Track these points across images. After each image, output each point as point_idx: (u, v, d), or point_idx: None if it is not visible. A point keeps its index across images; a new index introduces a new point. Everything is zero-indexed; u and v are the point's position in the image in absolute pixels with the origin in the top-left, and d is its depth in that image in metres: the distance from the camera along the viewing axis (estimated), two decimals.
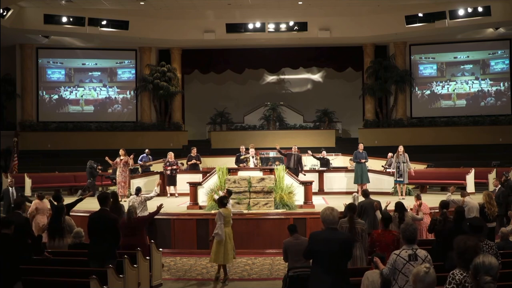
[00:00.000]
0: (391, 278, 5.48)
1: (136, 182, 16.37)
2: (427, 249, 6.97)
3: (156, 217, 11.81)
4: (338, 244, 5.52)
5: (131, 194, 15.35)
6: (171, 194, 16.18)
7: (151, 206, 11.68)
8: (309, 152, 17.70)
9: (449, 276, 4.43)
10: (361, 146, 16.28)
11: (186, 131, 24.94)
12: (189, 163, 17.25)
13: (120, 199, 14.31)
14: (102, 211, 7.51)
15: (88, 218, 7.62)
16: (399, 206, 9.16)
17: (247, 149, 16.52)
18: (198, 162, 17.27)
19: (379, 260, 5.83)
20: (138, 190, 11.53)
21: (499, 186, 12.67)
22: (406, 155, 15.01)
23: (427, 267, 4.25)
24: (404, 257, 5.23)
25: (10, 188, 13.63)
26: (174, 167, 16.18)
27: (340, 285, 5.50)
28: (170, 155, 16.41)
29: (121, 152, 15.42)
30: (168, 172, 16.11)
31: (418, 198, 11.09)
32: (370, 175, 15.99)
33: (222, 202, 9.53)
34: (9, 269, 6.27)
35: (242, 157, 15.64)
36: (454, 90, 24.32)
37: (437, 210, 11.50)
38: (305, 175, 15.88)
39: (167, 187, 16.20)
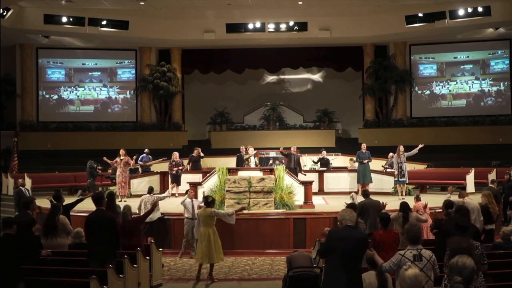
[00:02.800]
0: (386, 276, 5.47)
1: (136, 182, 16.39)
2: (430, 249, 6.98)
3: (164, 217, 11.89)
4: (355, 241, 5.49)
5: (131, 194, 15.40)
6: (172, 194, 16.14)
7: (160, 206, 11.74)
8: (313, 160, 17.92)
9: (444, 278, 4.43)
10: (364, 146, 16.28)
11: (186, 131, 24.93)
12: (190, 164, 17.27)
13: (120, 199, 14.39)
14: (100, 211, 7.50)
15: (86, 219, 7.61)
16: (404, 206, 9.16)
17: (247, 149, 16.56)
18: (202, 155, 17.24)
19: (376, 254, 5.84)
20: (151, 190, 11.62)
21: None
22: (406, 154, 15.02)
23: (406, 267, 4.26)
24: (409, 257, 5.23)
25: (22, 188, 13.69)
26: (180, 167, 16.10)
27: (354, 283, 5.49)
28: (175, 155, 16.27)
29: (122, 152, 15.38)
30: (174, 172, 16.02)
31: (417, 199, 11.07)
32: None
33: (207, 201, 9.67)
34: (12, 269, 6.26)
35: (245, 156, 15.67)
36: (449, 91, 24.32)
37: (439, 210, 11.56)
38: (305, 175, 15.89)
39: (170, 186, 16.15)
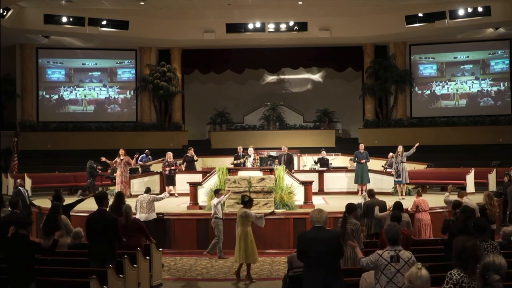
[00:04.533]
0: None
1: (136, 182, 16.39)
2: (438, 249, 6.94)
3: (163, 217, 11.90)
4: (324, 241, 5.51)
5: (131, 194, 15.40)
6: (171, 194, 16.15)
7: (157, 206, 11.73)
8: (314, 159, 17.89)
9: (447, 276, 4.43)
10: (361, 146, 16.30)
11: (186, 131, 24.93)
12: (184, 164, 17.32)
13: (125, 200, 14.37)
14: (101, 211, 7.48)
15: (87, 219, 7.60)
16: (397, 206, 9.18)
17: (245, 149, 16.57)
18: (195, 159, 17.26)
19: (356, 246, 5.89)
20: (148, 190, 11.61)
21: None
22: (404, 154, 15.02)
23: (419, 267, 4.27)
24: (386, 258, 5.21)
25: (21, 188, 13.71)
26: (173, 167, 16.20)
27: (332, 283, 5.48)
28: (169, 155, 16.40)
29: (121, 152, 15.37)
30: (167, 172, 16.11)
31: (419, 194, 11.15)
32: (370, 175, 16.00)
33: (243, 201, 9.69)
34: (25, 270, 6.27)
35: (235, 161, 15.66)
36: (457, 90, 24.30)
37: (439, 210, 11.56)
38: (293, 172, 15.86)
39: (166, 187, 16.19)
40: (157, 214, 11.69)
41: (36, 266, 7.18)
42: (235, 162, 15.73)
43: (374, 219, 9.79)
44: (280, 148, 17.03)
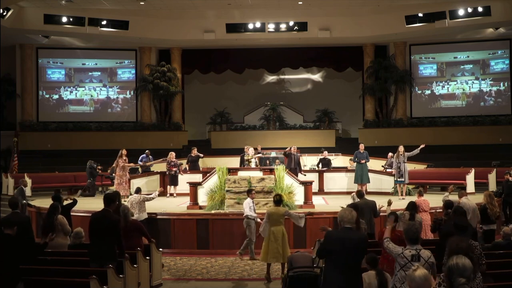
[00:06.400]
0: (386, 276, 5.47)
1: (136, 182, 16.39)
2: (430, 249, 6.98)
3: (156, 217, 11.93)
4: (353, 243, 5.49)
5: (131, 194, 15.41)
6: (170, 194, 16.15)
7: (149, 206, 11.72)
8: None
9: (439, 277, 4.43)
10: (361, 147, 16.31)
11: (186, 131, 24.93)
12: (188, 164, 17.30)
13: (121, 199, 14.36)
14: (105, 212, 7.47)
15: (90, 218, 7.59)
16: (411, 206, 9.18)
17: (255, 149, 16.59)
18: (201, 156, 17.20)
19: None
20: (138, 190, 11.59)
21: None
22: (406, 154, 15.03)
23: (414, 268, 4.27)
24: (407, 257, 5.23)
25: (23, 188, 13.72)
26: (179, 167, 16.19)
27: (353, 284, 5.48)
28: (172, 155, 16.35)
29: (124, 152, 15.37)
30: (173, 172, 16.06)
31: (420, 194, 11.14)
32: (370, 175, 16.02)
33: (278, 199, 9.52)
34: (12, 270, 6.26)
35: (246, 157, 15.72)
36: (464, 90, 24.27)
37: (439, 210, 11.56)
38: (305, 175, 15.90)
39: (168, 187, 16.18)
40: (149, 214, 11.66)
41: (35, 266, 7.20)
42: (246, 158, 15.90)
43: (364, 219, 9.80)
44: (290, 148, 16.90)
